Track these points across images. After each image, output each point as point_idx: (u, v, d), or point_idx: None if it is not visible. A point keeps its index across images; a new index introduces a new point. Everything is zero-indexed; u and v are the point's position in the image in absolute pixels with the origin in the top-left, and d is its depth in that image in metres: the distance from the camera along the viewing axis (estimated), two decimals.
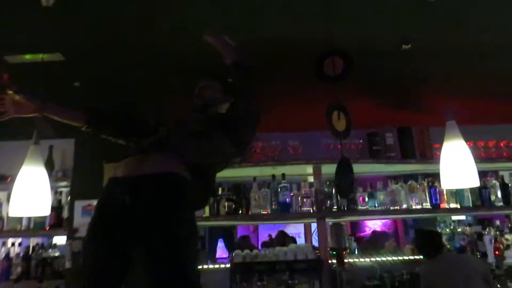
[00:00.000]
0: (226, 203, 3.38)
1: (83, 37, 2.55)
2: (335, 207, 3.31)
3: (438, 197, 3.48)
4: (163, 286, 1.40)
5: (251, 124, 1.81)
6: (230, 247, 4.92)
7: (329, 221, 3.45)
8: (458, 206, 3.51)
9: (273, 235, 4.96)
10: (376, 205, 3.40)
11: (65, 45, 2.62)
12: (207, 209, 3.37)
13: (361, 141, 3.50)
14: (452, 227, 3.93)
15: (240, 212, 3.36)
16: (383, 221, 5.29)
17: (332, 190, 3.35)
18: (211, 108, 1.91)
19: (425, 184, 3.50)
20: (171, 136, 1.65)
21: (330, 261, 3.27)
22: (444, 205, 3.49)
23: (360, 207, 3.36)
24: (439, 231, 3.78)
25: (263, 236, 5.77)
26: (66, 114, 1.77)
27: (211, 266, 3.51)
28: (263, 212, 3.30)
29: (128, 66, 2.89)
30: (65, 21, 2.35)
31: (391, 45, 2.67)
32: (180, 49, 2.68)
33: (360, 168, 3.54)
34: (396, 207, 3.40)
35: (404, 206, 3.42)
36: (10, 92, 1.56)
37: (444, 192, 3.50)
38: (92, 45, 2.65)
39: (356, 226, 5.34)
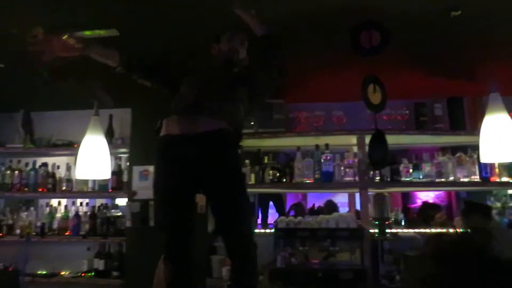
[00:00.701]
0: (270, 171, 3.52)
1: (137, 13, 2.71)
2: (377, 177, 3.33)
3: (488, 170, 3.38)
4: (232, 230, 1.89)
5: (271, 88, 2.25)
6: (280, 213, 5.11)
7: (372, 191, 3.48)
8: (511, 180, 3.39)
9: (316, 205, 5.07)
10: (421, 177, 3.37)
11: (120, 21, 2.81)
12: (252, 176, 3.55)
13: (407, 111, 3.45)
14: (504, 201, 3.80)
15: (284, 180, 3.50)
16: (436, 193, 5.18)
17: None
18: (236, 64, 2.14)
19: (475, 156, 3.40)
20: (207, 100, 1.92)
21: (372, 231, 3.34)
22: (495, 179, 3.39)
23: (404, 179, 3.36)
24: (489, 204, 3.69)
25: (310, 205, 5.90)
26: (104, 54, 2.09)
27: (262, 230, 3.71)
28: (307, 181, 3.41)
29: (179, 38, 3.03)
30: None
31: (439, 12, 2.58)
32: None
33: (405, 139, 3.52)
34: (442, 179, 3.36)
35: (451, 178, 3.36)
36: (65, 36, 1.78)
37: (496, 165, 3.39)
38: (144, 21, 2.82)
39: (407, 197, 5.29)
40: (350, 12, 2.41)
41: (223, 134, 1.94)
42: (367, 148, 3.40)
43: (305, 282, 3.12)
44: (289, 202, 5.90)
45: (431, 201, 5.28)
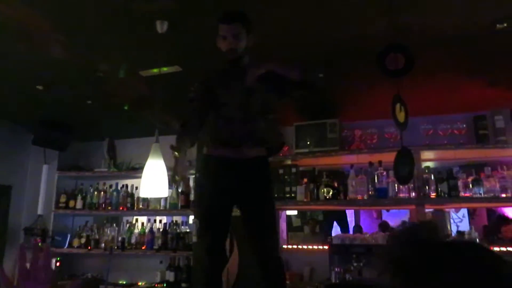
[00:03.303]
0: (325, 189, 3.63)
1: (195, 51, 3.07)
2: (433, 193, 3.28)
3: None
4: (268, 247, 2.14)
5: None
6: (344, 230, 5.13)
7: (430, 207, 3.42)
8: None
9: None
10: (482, 192, 3.24)
11: (182, 58, 3.19)
12: (309, 194, 3.68)
13: (464, 125, 3.37)
14: None
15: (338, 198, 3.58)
16: None
17: (431, 176, 3.32)
18: (243, 58, 2.22)
19: None
20: (241, 131, 2.15)
21: None
22: None
23: (463, 194, 3.25)
24: None
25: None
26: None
27: (325, 247, 3.79)
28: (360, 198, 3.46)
29: None
30: (180, 40, 2.89)
31: (485, 26, 2.57)
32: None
33: (464, 154, 3.42)
34: (507, 195, 3.20)
35: None
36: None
37: None
38: (202, 57, 3.17)
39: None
40: (403, 31, 2.50)
41: (261, 159, 2.23)
42: (422, 164, 3.41)
43: None
44: (362, 219, 5.87)
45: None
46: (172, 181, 2.03)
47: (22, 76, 3.53)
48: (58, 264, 4.48)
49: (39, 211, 4.58)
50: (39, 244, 4.25)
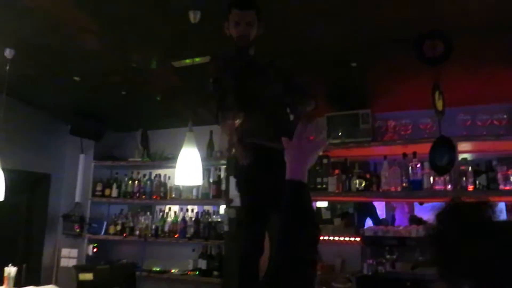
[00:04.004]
0: (357, 180, 3.58)
1: (227, 41, 3.08)
2: (470, 186, 3.17)
3: None
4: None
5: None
6: (376, 223, 5.06)
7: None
8: None
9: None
10: None
11: (212, 48, 3.21)
12: (340, 185, 3.65)
13: (505, 116, 3.23)
14: None
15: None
16: None
17: (469, 168, 3.21)
18: (252, 47, 2.17)
19: None
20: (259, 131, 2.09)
21: None
22: None
23: (503, 187, 3.13)
24: None
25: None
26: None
27: (357, 239, 3.76)
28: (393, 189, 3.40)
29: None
30: (212, 30, 2.90)
31: None
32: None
33: (505, 145, 3.28)
34: None
35: None
36: None
37: None
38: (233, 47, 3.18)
39: None
40: (442, 18, 2.42)
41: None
42: (459, 155, 3.30)
43: None
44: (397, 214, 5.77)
45: None
46: (228, 151, 2.04)
47: (60, 68, 3.65)
48: (95, 250, 4.64)
49: (77, 199, 4.76)
50: (77, 230, 4.44)
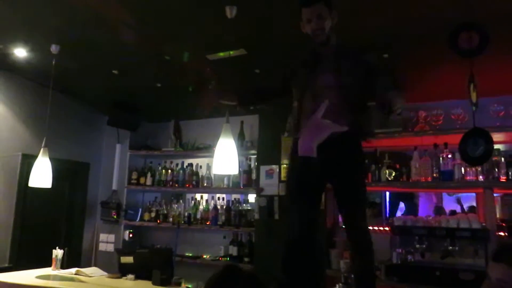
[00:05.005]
0: (387, 170, 3.62)
1: (260, 34, 3.16)
2: (503, 177, 3.17)
3: None
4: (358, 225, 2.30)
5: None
6: (411, 212, 5.07)
7: (499, 192, 3.31)
8: None
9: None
10: None
11: (247, 42, 3.29)
12: (370, 175, 3.70)
13: None
14: None
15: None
16: None
17: (501, 159, 3.21)
18: (331, 38, 2.22)
19: None
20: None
21: (498, 233, 3.19)
22: None
23: None
24: None
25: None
26: (230, 99, 2.61)
27: (386, 228, 3.81)
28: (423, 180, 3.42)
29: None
30: (247, 23, 2.98)
31: None
32: None
33: None
34: None
35: None
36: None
37: None
38: (267, 41, 3.25)
39: None
40: (475, 6, 2.40)
41: (350, 136, 2.08)
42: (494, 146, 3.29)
43: (422, 280, 3.15)
44: (423, 205, 5.74)
45: None
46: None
47: (100, 61, 3.83)
48: (131, 235, 4.86)
49: (114, 187, 4.99)
50: (115, 217, 4.65)
